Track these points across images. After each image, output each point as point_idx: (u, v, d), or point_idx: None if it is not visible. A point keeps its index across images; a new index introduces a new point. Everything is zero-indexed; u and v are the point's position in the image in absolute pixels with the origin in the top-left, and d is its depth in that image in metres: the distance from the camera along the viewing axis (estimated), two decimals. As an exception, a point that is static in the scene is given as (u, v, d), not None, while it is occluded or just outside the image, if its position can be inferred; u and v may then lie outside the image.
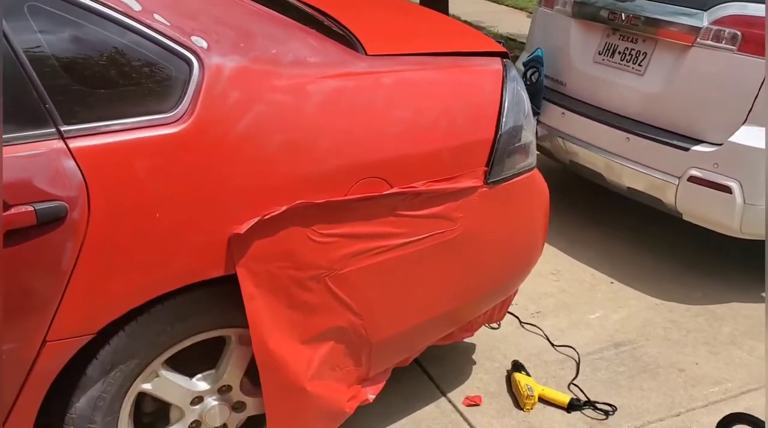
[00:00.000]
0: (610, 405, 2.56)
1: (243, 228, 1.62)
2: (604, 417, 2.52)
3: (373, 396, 2.11)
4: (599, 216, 4.08)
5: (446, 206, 1.97)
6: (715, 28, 3.14)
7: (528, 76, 3.96)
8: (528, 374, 2.65)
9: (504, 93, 2.08)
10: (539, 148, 4.13)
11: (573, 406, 2.54)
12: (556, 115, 3.85)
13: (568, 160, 3.87)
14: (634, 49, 3.50)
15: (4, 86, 1.40)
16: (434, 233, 1.97)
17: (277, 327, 1.76)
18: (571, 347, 2.89)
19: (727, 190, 3.09)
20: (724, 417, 1.54)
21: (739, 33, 3.06)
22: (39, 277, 1.48)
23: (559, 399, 2.56)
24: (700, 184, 3.17)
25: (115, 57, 1.55)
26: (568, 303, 3.24)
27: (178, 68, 1.60)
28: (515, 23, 8.95)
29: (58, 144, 1.46)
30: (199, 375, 1.86)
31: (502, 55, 2.20)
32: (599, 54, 3.67)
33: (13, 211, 1.40)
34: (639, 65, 3.46)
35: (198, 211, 1.60)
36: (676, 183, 3.25)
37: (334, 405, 1.96)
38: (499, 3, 11.27)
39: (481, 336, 2.90)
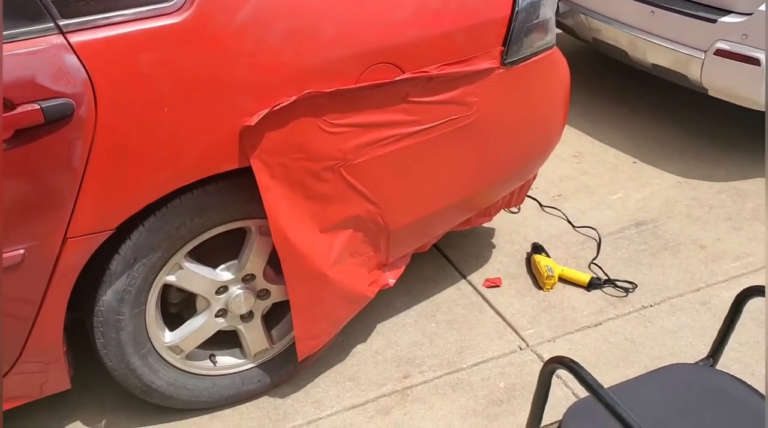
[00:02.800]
0: (630, 282, 2.59)
1: (253, 120, 1.60)
2: (624, 294, 2.55)
3: (394, 281, 2.15)
4: (622, 96, 3.97)
5: (461, 90, 1.92)
6: None
7: (548, -52, 3.75)
8: (548, 255, 2.67)
9: (520, -34, 1.97)
10: (561, 25, 3.98)
11: (593, 285, 2.57)
12: (578, -10, 3.68)
13: (590, 38, 3.73)
14: None
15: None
16: (449, 119, 1.93)
17: (295, 217, 1.78)
18: (591, 228, 2.89)
19: (756, 62, 2.97)
20: (742, 291, 1.54)
21: None
22: (53, 176, 1.49)
23: (579, 278, 2.58)
24: (727, 58, 3.05)
25: (109, -56, 1.48)
26: (589, 185, 3.21)
27: (175, -47, 1.53)
28: None
29: (58, 39, 1.43)
30: (223, 266, 1.90)
31: (519, -75, 2.07)
32: None
33: (19, 110, 1.39)
34: (666, -69, 3.25)
35: (206, 103, 1.58)
36: (702, 57, 3.12)
37: (355, 289, 2.00)
38: None
39: (500, 221, 2.91)
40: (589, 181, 3.25)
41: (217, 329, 1.95)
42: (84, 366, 1.98)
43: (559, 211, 3.01)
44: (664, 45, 3.27)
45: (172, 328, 1.92)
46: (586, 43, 3.87)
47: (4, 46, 1.39)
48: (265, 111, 1.61)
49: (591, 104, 3.87)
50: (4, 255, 1.49)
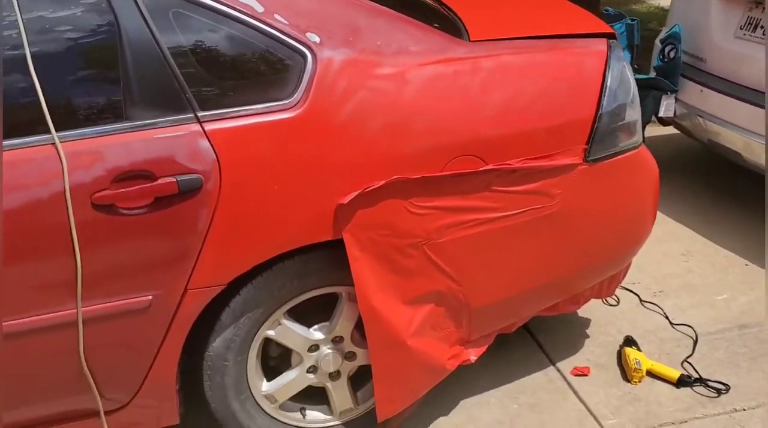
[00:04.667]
0: (723, 383, 2.55)
1: (346, 199, 1.86)
2: (716, 395, 2.52)
3: (475, 358, 2.28)
4: (741, 197, 3.92)
5: (543, 182, 2.09)
6: None
7: (666, 52, 3.89)
8: (639, 349, 2.69)
9: (606, 73, 2.15)
10: (678, 126, 4.04)
11: (682, 382, 2.56)
12: (694, 93, 3.76)
13: (706, 139, 3.77)
14: (777, 22, 3.34)
15: (153, 78, 1.74)
16: (531, 208, 2.10)
17: (379, 287, 1.99)
18: (689, 326, 2.88)
19: None
20: None
21: None
22: (181, 236, 1.81)
23: (669, 374, 2.59)
24: (844, 163, 3.01)
25: (243, 52, 1.84)
26: (694, 284, 3.20)
27: (294, 61, 1.86)
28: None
29: (196, 127, 1.78)
30: (316, 326, 2.13)
31: (610, 36, 2.27)
32: (740, 29, 3.54)
33: (159, 181, 1.74)
34: (782, 38, 3.30)
35: (309, 184, 1.86)
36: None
37: (434, 361, 2.16)
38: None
39: (597, 311, 2.97)
40: (695, 280, 3.23)
41: (307, 384, 2.17)
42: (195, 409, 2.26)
43: (658, 307, 3.02)
44: (779, 148, 3.26)
45: (269, 379, 2.16)
46: (702, 144, 3.90)
47: (157, 130, 1.75)
48: (357, 192, 1.86)
49: (706, 203, 3.86)
50: (135, 299, 1.82)
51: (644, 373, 2.59)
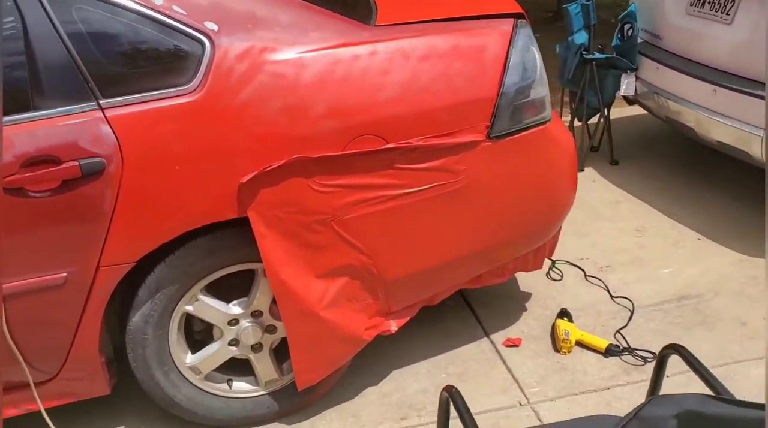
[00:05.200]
0: (650, 352, 2.62)
1: (246, 178, 1.97)
2: (642, 363, 2.59)
3: (396, 328, 2.37)
4: (702, 174, 3.95)
5: (446, 159, 2.18)
6: (803, -33, 2.96)
7: (624, 31, 3.92)
8: (571, 321, 2.76)
9: (510, 52, 2.23)
10: (641, 104, 4.07)
11: (610, 352, 2.63)
12: (651, 70, 3.80)
13: (664, 116, 3.80)
14: (722, -3, 3.37)
15: (58, 70, 1.87)
16: (436, 184, 2.19)
17: (288, 262, 2.10)
18: (628, 299, 2.94)
19: (814, 139, 2.94)
20: (664, 347, 1.64)
21: (827, -29, 2.87)
22: (88, 216, 1.94)
23: (597, 344, 2.66)
24: (785, 135, 3.03)
25: (143, 42, 1.95)
26: (643, 259, 3.25)
27: (193, 48, 1.97)
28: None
29: (98, 114, 1.90)
30: (235, 301, 2.25)
31: (518, 16, 2.34)
32: (691, 5, 3.56)
33: (63, 166, 1.87)
34: (727, 14, 3.33)
35: (210, 165, 1.98)
36: (762, 135, 3.12)
37: (350, 331, 2.26)
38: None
39: (539, 286, 3.05)
40: (644, 255, 3.28)
41: (230, 356, 2.29)
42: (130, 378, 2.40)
43: (601, 281, 3.08)
44: (726, 123, 3.29)
45: (195, 352, 2.29)
46: (662, 122, 3.93)
47: (61, 118, 1.88)
48: (256, 172, 1.97)
49: (668, 181, 3.90)
50: (50, 276, 1.95)
51: (573, 344, 2.66)
